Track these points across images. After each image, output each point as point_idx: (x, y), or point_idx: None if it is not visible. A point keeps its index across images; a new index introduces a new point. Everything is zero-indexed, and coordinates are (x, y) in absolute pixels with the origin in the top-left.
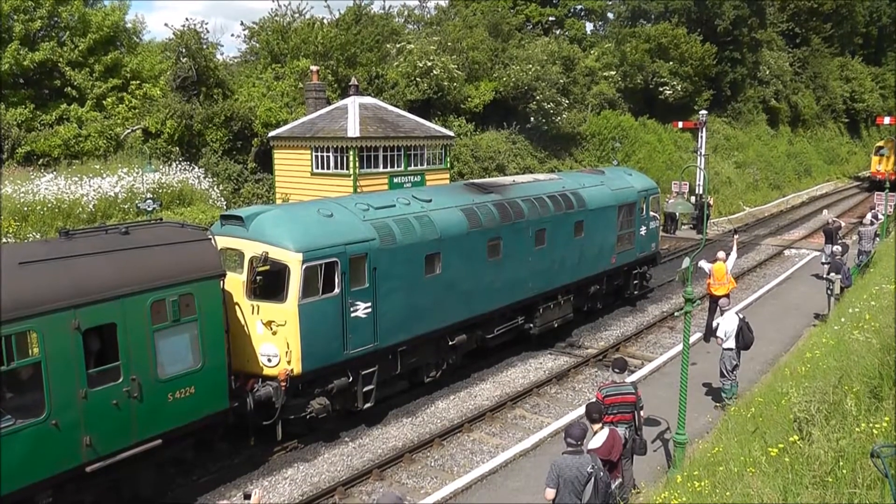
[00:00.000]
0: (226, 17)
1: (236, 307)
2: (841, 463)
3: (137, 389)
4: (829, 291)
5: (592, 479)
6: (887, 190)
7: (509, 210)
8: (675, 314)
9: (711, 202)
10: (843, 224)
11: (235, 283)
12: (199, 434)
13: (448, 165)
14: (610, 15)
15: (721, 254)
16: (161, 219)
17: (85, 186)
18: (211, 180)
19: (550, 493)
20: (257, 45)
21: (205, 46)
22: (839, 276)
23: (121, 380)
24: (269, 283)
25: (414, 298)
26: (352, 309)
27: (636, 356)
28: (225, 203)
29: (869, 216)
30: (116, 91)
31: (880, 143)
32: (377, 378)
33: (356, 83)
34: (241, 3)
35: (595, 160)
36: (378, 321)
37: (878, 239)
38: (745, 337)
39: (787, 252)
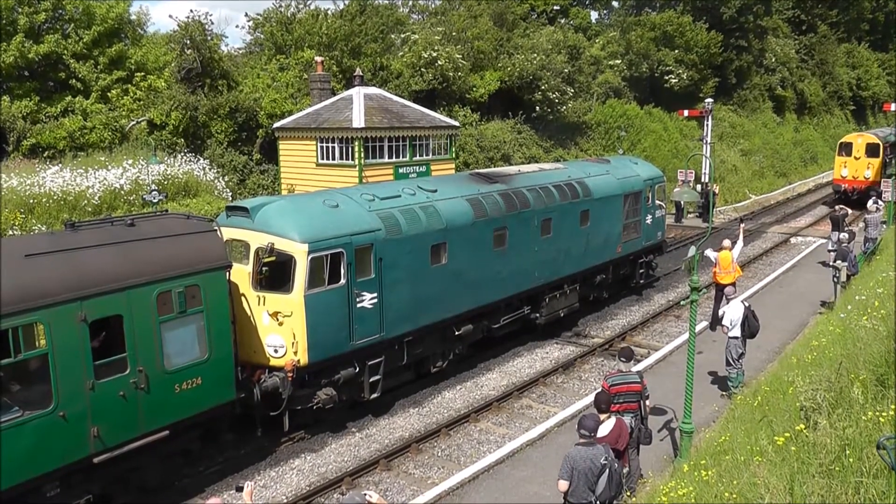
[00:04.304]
0: (230, 9)
1: (242, 298)
2: (847, 452)
3: (144, 381)
4: (835, 279)
5: (607, 470)
6: (894, 176)
7: (515, 200)
8: (681, 303)
9: (717, 190)
10: (849, 211)
11: (241, 274)
12: (205, 425)
13: (453, 155)
14: (615, 3)
15: (727, 242)
16: (166, 210)
17: (90, 178)
18: (216, 171)
19: (563, 484)
20: (262, 36)
21: (209, 38)
22: (845, 264)
23: (127, 371)
24: (274, 273)
25: (420, 289)
26: (358, 299)
27: (642, 345)
28: (230, 194)
29: (871, 203)
30: (121, 83)
31: (846, 139)
32: (384, 368)
33: (361, 74)
34: None
35: (600, 149)
36: (384, 312)
37: (884, 226)
38: (750, 325)
39: (793, 240)
